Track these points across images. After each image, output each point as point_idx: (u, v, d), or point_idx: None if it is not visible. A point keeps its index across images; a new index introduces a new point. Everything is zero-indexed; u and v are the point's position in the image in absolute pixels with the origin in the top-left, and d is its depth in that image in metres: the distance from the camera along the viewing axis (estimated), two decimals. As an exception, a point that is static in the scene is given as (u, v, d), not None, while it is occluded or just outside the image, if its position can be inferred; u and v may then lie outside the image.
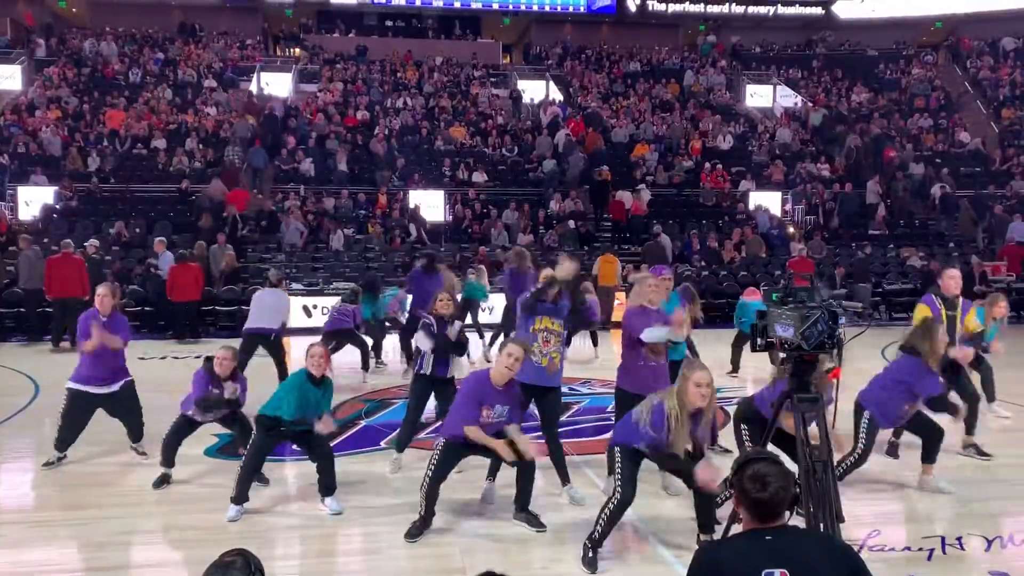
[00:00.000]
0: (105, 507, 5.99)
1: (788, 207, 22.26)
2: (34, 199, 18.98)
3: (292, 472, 6.93)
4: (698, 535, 5.02)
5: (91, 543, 5.35)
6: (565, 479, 6.09)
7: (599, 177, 21.23)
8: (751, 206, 21.51)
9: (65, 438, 6.94)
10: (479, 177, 21.69)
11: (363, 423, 8.34)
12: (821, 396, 4.10)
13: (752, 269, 18.60)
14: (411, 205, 20.05)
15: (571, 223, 19.91)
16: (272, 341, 9.70)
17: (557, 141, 23.31)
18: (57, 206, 18.91)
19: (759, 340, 4.12)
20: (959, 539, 5.36)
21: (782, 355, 4.18)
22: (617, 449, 4.99)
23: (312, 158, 21.42)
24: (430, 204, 20.33)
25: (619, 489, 4.85)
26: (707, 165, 22.68)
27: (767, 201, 21.69)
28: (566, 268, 6.19)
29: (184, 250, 15.56)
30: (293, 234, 18.58)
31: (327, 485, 5.92)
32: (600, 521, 4.86)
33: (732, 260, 19.08)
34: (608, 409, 8.85)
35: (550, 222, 20.22)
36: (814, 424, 4.03)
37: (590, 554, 4.86)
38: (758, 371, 11.11)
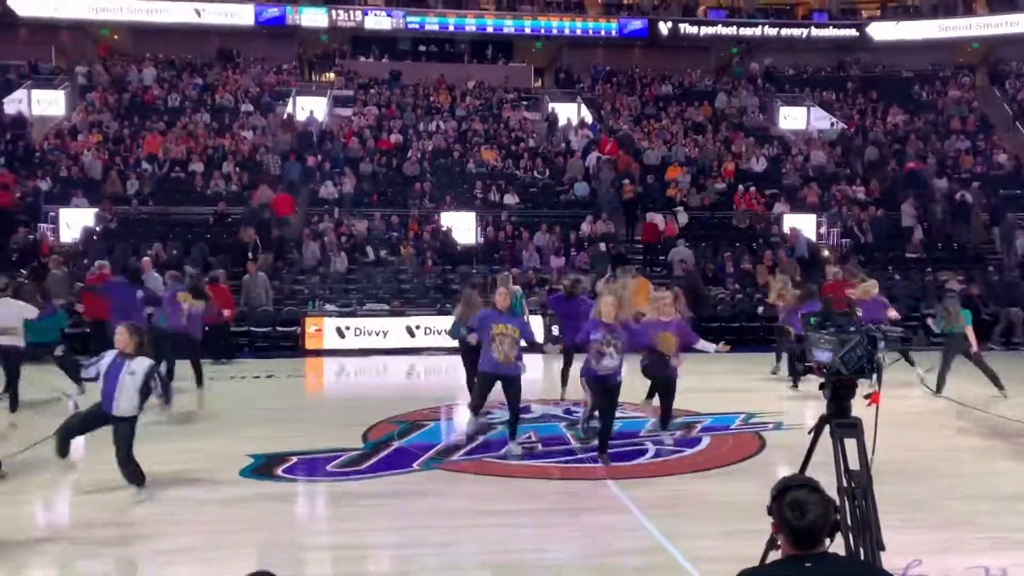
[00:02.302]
0: None
1: (823, 230, 22.06)
2: (75, 222, 19.41)
3: (327, 492, 6.96)
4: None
5: None
6: (512, 436, 7.96)
7: (625, 196, 21.23)
8: (785, 228, 21.36)
9: None
10: (510, 199, 21.79)
11: (396, 444, 8.36)
12: (860, 423, 4.05)
13: (787, 292, 18.41)
14: (444, 227, 20.19)
15: (602, 245, 19.90)
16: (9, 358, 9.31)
17: (588, 164, 23.36)
18: (97, 228, 19.31)
19: (797, 364, 4.09)
20: (1004, 571, 5.22)
21: (820, 380, 4.14)
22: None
23: (345, 180, 21.68)
24: (462, 226, 20.46)
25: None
26: (740, 187, 22.58)
27: (801, 224, 21.52)
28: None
29: (217, 271, 15.69)
30: (310, 257, 18.72)
31: None
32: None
33: (766, 284, 18.90)
34: (641, 433, 8.80)
35: (581, 244, 20.21)
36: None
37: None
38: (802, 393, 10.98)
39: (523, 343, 8.02)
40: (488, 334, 7.88)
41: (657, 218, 20.66)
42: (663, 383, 8.32)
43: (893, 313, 11.43)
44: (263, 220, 19.31)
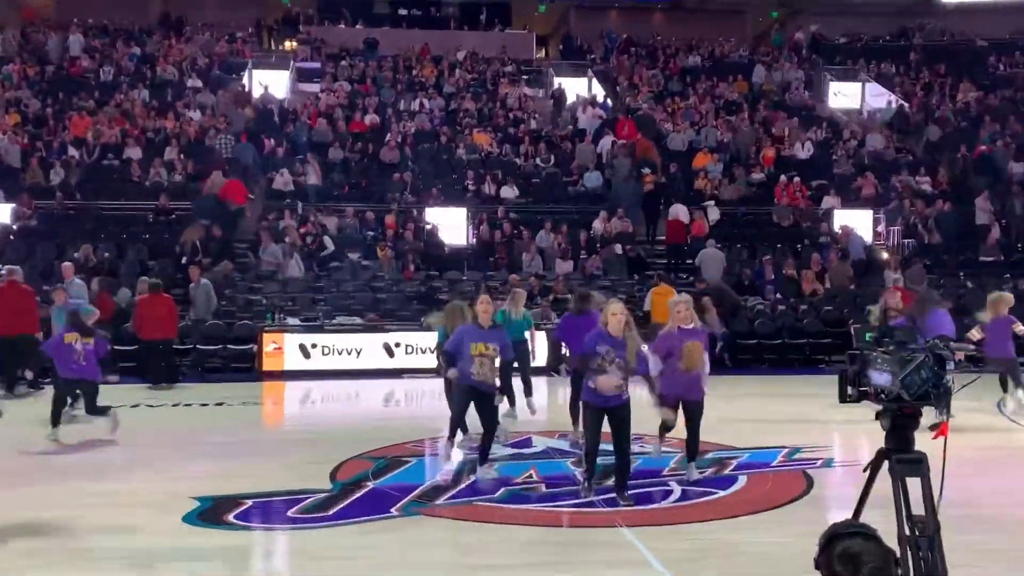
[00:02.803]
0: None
1: (881, 228, 22.09)
2: (-13, 218, 19.38)
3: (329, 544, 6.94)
4: None
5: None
6: (484, 460, 8.35)
7: (645, 188, 21.27)
8: (835, 227, 21.39)
9: None
10: (509, 192, 21.83)
11: (370, 485, 8.34)
12: (926, 457, 4.04)
13: (839, 303, 18.44)
14: (428, 225, 20.20)
15: (617, 247, 19.92)
16: None
17: (601, 150, 23.40)
18: (14, 226, 19.29)
19: (849, 389, 4.08)
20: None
21: (878, 408, 4.13)
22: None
23: (310, 169, 21.72)
24: (450, 224, 20.49)
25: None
26: (782, 178, 22.62)
27: (855, 221, 21.55)
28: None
29: (156, 277, 15.69)
30: (268, 260, 18.73)
31: None
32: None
33: (814, 293, 18.94)
34: (664, 472, 8.78)
35: (593, 246, 20.24)
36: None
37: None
38: (850, 423, 10.97)
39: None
40: (466, 353, 8.16)
41: (683, 214, 20.70)
42: (692, 407, 8.31)
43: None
44: (216, 214, 19.32)
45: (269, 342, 16.10)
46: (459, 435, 9.03)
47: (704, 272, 18.96)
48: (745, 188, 22.75)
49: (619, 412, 7.56)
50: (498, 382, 8.68)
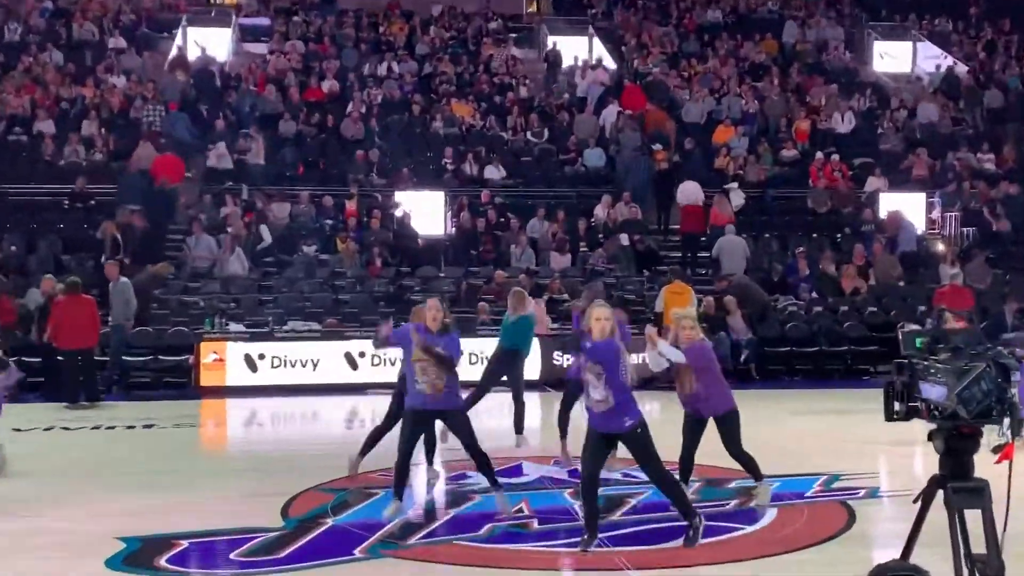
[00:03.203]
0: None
1: (936, 214, 22.15)
2: None
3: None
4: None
5: None
6: (495, 484, 8.41)
7: (657, 166, 21.29)
8: (882, 212, 21.44)
9: None
10: (494, 173, 21.83)
11: (329, 522, 8.32)
12: (987, 487, 4.06)
13: (886, 303, 18.49)
14: (398, 212, 20.18)
15: (624, 237, 19.93)
16: None
17: (604, 122, 23.39)
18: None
19: (897, 405, 4.10)
20: None
21: (930, 427, 4.15)
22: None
23: (257, 145, 21.66)
24: (425, 211, 20.47)
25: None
26: (819, 155, 22.65)
27: (906, 206, 21.60)
28: None
29: (75, 276, 15.61)
30: (205, 254, 18.70)
31: None
32: None
33: (856, 291, 18.98)
34: (672, 509, 8.79)
35: (595, 237, 20.25)
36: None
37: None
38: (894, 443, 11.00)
39: None
40: (408, 357, 8.31)
41: (700, 198, 20.72)
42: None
43: None
44: (145, 197, 19.22)
45: (208, 352, 16.06)
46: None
47: (725, 265, 18.97)
48: (775, 168, 22.76)
49: (628, 439, 7.56)
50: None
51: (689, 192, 20.70)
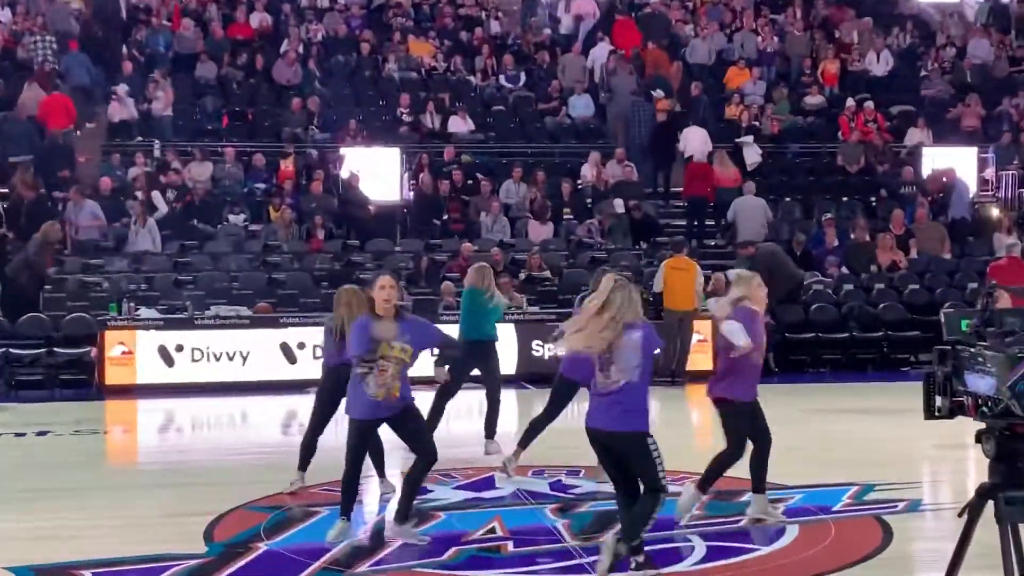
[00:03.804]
0: None
1: (989, 173, 22.27)
2: None
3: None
4: None
5: None
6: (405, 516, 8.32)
7: (656, 116, 21.29)
8: (925, 170, 21.54)
9: None
10: (460, 126, 21.81)
11: (263, 547, 8.34)
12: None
13: (930, 279, 18.61)
14: (344, 174, 20.13)
15: (617, 203, 19.96)
16: None
17: (593, 64, 23.38)
18: None
19: (938, 400, 4.12)
20: None
21: (979, 426, 4.19)
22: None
23: (170, 91, 21.56)
24: (378, 173, 20.45)
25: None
26: (850, 102, 22.74)
27: (954, 162, 21.69)
28: None
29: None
30: (87, 219, 18.60)
31: None
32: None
33: (894, 265, 19.06)
34: (680, 521, 8.86)
35: (582, 202, 20.26)
36: None
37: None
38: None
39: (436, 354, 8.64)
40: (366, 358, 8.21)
41: (708, 150, 20.75)
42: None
43: None
44: (33, 147, 19.14)
45: (114, 343, 16.01)
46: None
47: (741, 231, 18.94)
48: (797, 118, 22.83)
49: (612, 444, 7.48)
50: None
51: (695, 144, 20.74)
